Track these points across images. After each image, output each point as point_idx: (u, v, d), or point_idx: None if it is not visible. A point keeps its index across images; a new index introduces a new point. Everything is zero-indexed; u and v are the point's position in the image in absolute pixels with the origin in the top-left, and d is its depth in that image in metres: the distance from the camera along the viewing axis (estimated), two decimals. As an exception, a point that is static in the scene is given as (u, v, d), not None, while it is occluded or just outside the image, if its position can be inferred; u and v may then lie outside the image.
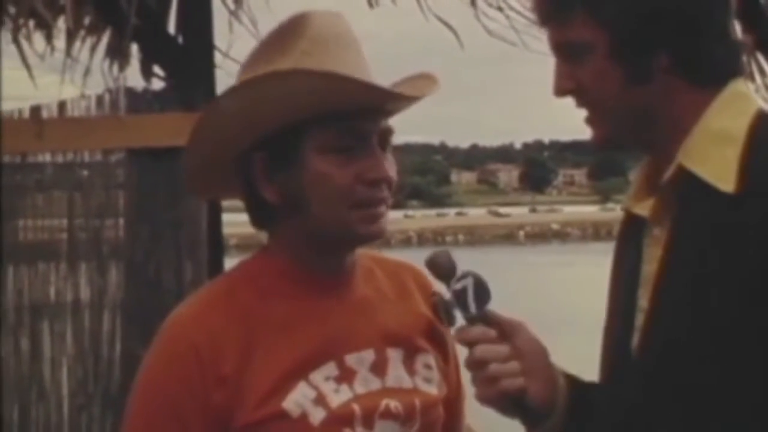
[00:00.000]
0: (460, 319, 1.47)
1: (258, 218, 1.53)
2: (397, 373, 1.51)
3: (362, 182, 1.46)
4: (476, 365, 1.42)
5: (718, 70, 1.39)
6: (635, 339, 1.38)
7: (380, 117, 1.49)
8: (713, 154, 1.35)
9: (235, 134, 1.48)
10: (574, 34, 1.38)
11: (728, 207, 1.32)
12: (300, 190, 1.47)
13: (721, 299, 1.31)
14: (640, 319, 1.38)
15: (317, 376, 1.46)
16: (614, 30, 1.36)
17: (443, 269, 1.47)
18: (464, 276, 1.45)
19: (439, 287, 1.52)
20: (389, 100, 1.48)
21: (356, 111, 1.45)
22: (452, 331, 1.49)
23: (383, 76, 1.50)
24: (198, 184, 1.60)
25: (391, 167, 1.49)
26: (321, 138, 1.46)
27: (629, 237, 1.46)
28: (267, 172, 1.49)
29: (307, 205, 1.47)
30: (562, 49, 1.40)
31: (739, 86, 1.40)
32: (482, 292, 1.45)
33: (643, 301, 1.38)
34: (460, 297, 1.45)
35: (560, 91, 1.41)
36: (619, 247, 1.49)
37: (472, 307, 1.44)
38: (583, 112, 1.43)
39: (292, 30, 1.49)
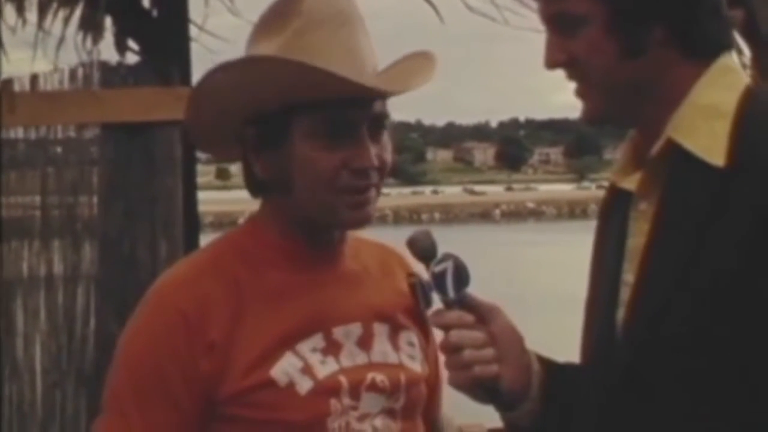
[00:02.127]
0: (437, 302, 1.46)
1: (251, 189, 1.54)
2: (382, 348, 1.52)
3: (348, 169, 1.46)
4: (451, 350, 1.42)
5: (711, 44, 1.38)
6: (620, 313, 1.38)
7: (371, 103, 1.47)
8: (703, 128, 1.34)
9: (228, 109, 1.49)
10: (570, 5, 1.36)
11: (717, 181, 1.31)
12: (285, 172, 1.47)
13: (710, 273, 1.30)
14: (625, 294, 1.38)
15: (304, 347, 1.46)
16: (612, 2, 1.35)
17: (424, 250, 1.46)
18: (444, 259, 1.44)
19: (419, 268, 1.51)
20: (369, 92, 1.47)
21: (344, 98, 1.44)
22: (429, 313, 1.48)
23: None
24: (208, 149, 1.64)
25: (382, 153, 1.48)
26: (308, 123, 1.46)
27: (613, 211, 1.45)
28: (257, 147, 1.49)
29: (292, 187, 1.48)
30: (556, 20, 1.39)
31: (728, 60, 1.40)
32: (461, 275, 1.44)
33: (629, 275, 1.38)
34: (438, 280, 1.44)
35: (552, 63, 1.40)
36: (602, 222, 1.48)
37: (450, 291, 1.43)
38: (567, 90, 1.42)
39: (289, 6, 1.48)
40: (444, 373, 1.51)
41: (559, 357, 1.53)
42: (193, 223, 3.72)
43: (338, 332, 1.49)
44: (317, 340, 1.47)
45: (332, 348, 1.48)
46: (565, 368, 1.49)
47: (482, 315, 1.44)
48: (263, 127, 1.48)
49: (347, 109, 1.45)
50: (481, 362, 1.40)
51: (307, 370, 1.45)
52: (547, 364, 1.48)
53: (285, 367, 1.44)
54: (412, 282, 1.49)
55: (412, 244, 1.47)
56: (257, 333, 1.45)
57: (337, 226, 1.50)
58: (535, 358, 1.47)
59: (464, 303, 1.43)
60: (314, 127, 1.45)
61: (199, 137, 1.58)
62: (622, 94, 1.38)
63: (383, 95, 1.49)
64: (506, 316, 1.46)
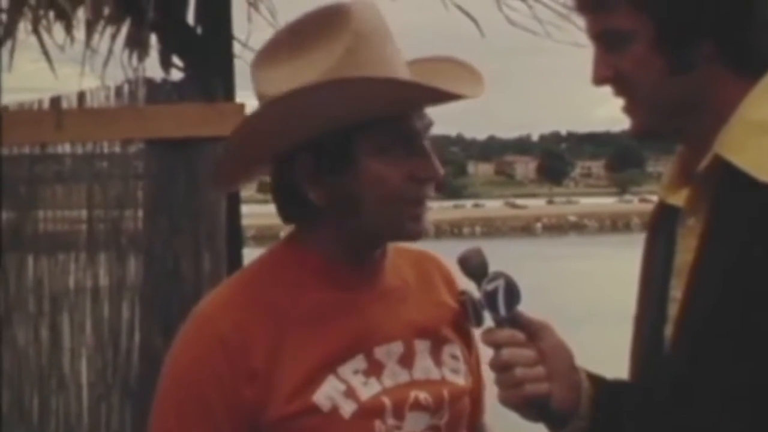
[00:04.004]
0: (488, 320, 1.47)
1: (290, 214, 1.50)
2: (424, 365, 1.51)
3: (415, 181, 1.45)
4: (502, 368, 1.42)
5: (761, 58, 1.37)
6: (668, 330, 1.37)
7: (424, 113, 1.47)
8: (751, 144, 1.33)
9: (286, 136, 1.44)
10: (617, 22, 1.36)
11: (765, 197, 1.30)
12: (353, 193, 1.44)
13: (756, 290, 1.29)
14: (673, 310, 1.37)
15: (346, 370, 1.45)
16: (659, 19, 1.34)
17: (475, 268, 1.46)
18: (496, 277, 1.45)
19: (468, 285, 1.51)
20: (441, 101, 1.46)
21: (408, 111, 1.44)
22: (480, 331, 1.48)
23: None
24: (229, 182, 1.59)
25: (438, 163, 1.47)
26: (375, 140, 1.43)
27: (661, 227, 1.44)
28: (314, 174, 1.45)
29: (360, 207, 1.45)
30: (603, 37, 1.38)
31: None
32: (513, 294, 1.44)
33: (677, 291, 1.37)
34: (490, 298, 1.44)
35: (599, 79, 1.39)
36: (650, 238, 1.47)
37: (502, 309, 1.44)
38: (609, 103, 1.42)
39: (333, 22, 1.44)
40: (488, 383, 1.51)
41: (605, 373, 1.52)
42: (236, 237, 3.74)
43: (379, 352, 1.48)
44: (359, 362, 1.46)
45: (374, 368, 1.47)
46: (614, 385, 1.48)
47: (533, 333, 1.44)
48: (322, 151, 1.44)
49: (410, 121, 1.45)
50: (532, 380, 1.40)
51: (350, 393, 1.44)
52: (597, 381, 1.48)
53: (328, 392, 1.43)
54: (463, 300, 1.49)
55: (464, 262, 1.47)
56: (299, 358, 1.43)
57: (402, 239, 1.49)
58: (585, 376, 1.47)
59: (515, 321, 1.44)
60: (381, 144, 1.43)
61: (233, 168, 1.51)
62: (670, 110, 1.37)
63: (461, 99, 1.46)
64: (556, 333, 1.46)
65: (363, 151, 1.43)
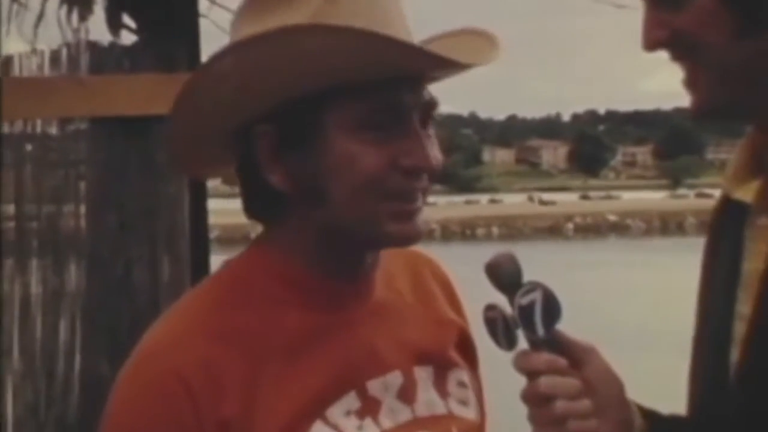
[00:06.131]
0: (521, 341, 1.46)
1: (255, 206, 1.50)
2: (428, 397, 1.50)
3: (398, 169, 1.42)
4: (540, 401, 1.42)
5: None
6: (734, 353, 1.39)
7: (421, 86, 1.45)
8: None
9: (235, 104, 1.43)
10: None
11: None
12: (318, 176, 1.42)
13: None
14: (740, 329, 1.39)
15: (335, 412, 1.43)
16: None
17: (508, 278, 1.45)
18: (532, 289, 1.44)
19: (497, 298, 1.50)
20: (438, 67, 1.44)
21: (394, 79, 1.41)
22: (512, 355, 1.47)
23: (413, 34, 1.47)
24: (184, 161, 1.57)
25: (435, 150, 1.44)
26: (348, 112, 1.41)
27: (726, 228, 1.46)
28: (275, 150, 1.44)
29: (326, 195, 1.43)
30: None
31: None
32: (552, 310, 1.43)
33: (745, 306, 1.39)
34: (525, 314, 1.43)
35: (653, 42, 1.41)
36: (712, 241, 1.49)
37: (540, 329, 1.43)
38: (657, 75, 1.44)
39: None
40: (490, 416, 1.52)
41: (660, 407, 1.54)
42: (201, 239, 3.76)
43: (374, 386, 1.47)
44: (350, 401, 1.45)
45: (369, 407, 1.46)
46: (671, 422, 1.50)
47: (576, 358, 1.45)
48: (284, 122, 1.43)
49: (397, 92, 1.42)
50: (576, 416, 1.41)
51: None
52: (650, 417, 1.49)
53: None
54: (491, 316, 1.47)
55: (494, 269, 1.45)
56: (279, 399, 1.42)
57: (378, 242, 1.47)
58: (636, 410, 1.48)
59: (555, 343, 1.44)
60: (355, 117, 1.41)
61: (183, 146, 1.51)
62: (740, 79, 1.39)
63: (461, 70, 1.45)
64: (603, 359, 1.47)
65: (333, 124, 1.41)
